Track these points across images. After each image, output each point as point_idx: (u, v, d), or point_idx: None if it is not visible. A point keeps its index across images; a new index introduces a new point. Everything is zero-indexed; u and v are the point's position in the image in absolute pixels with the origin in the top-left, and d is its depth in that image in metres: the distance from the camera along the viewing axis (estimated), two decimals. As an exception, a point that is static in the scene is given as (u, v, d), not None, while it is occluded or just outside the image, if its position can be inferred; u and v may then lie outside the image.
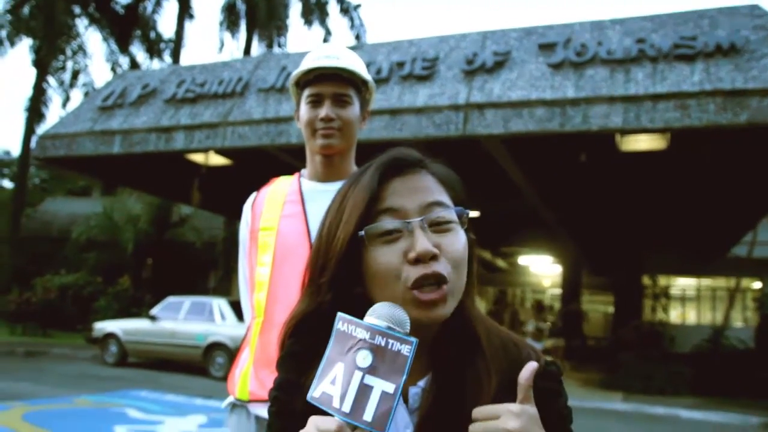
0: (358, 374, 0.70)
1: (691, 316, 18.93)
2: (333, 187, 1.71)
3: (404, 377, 0.69)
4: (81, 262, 19.53)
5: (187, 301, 11.95)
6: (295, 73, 1.71)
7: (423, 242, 0.81)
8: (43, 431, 5.83)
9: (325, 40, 22.63)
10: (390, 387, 0.69)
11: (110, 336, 12.28)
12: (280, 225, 1.67)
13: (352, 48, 11.07)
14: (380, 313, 0.75)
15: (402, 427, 0.84)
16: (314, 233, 1.63)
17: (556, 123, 8.44)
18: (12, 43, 19.94)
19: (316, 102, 1.67)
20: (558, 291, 21.68)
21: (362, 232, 0.84)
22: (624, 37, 8.69)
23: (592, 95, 8.32)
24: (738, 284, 16.36)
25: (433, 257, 0.82)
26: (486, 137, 8.96)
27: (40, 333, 16.31)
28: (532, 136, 8.70)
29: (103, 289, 18.24)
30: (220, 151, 11.08)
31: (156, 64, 22.05)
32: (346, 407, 0.69)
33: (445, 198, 0.89)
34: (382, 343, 0.71)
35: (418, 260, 0.81)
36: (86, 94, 22.25)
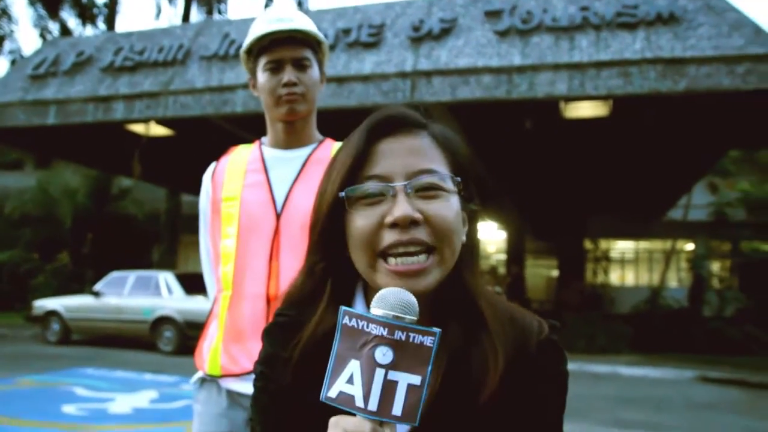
0: (380, 371, 0.67)
1: (630, 278, 19.69)
2: (296, 154, 1.68)
3: (430, 368, 0.66)
4: (15, 238, 18.75)
5: (131, 276, 11.66)
6: (249, 40, 1.64)
7: (402, 206, 0.77)
8: (-14, 413, 5.64)
9: (267, 7, 22.07)
10: (416, 379, 0.66)
11: (52, 314, 11.89)
12: (243, 194, 1.61)
13: (297, 14, 10.85)
14: (387, 301, 0.69)
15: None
16: (279, 201, 1.62)
17: (503, 90, 8.51)
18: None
19: (275, 68, 1.61)
20: (503, 256, 22.14)
21: (342, 194, 0.81)
22: (568, 4, 8.79)
23: (538, 63, 8.42)
24: (673, 246, 17.06)
25: (414, 222, 0.77)
26: (433, 105, 8.97)
27: (-25, 313, 15.68)
28: (479, 103, 8.76)
29: (41, 265, 17.62)
30: (162, 122, 10.74)
31: (89, 30, 21.08)
32: (373, 406, 0.66)
33: (438, 164, 0.83)
34: (402, 338, 0.67)
35: (395, 225, 0.77)
36: (13, 62, 21.15)
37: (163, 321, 10.83)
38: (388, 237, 0.78)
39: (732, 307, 14.64)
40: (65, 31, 20.77)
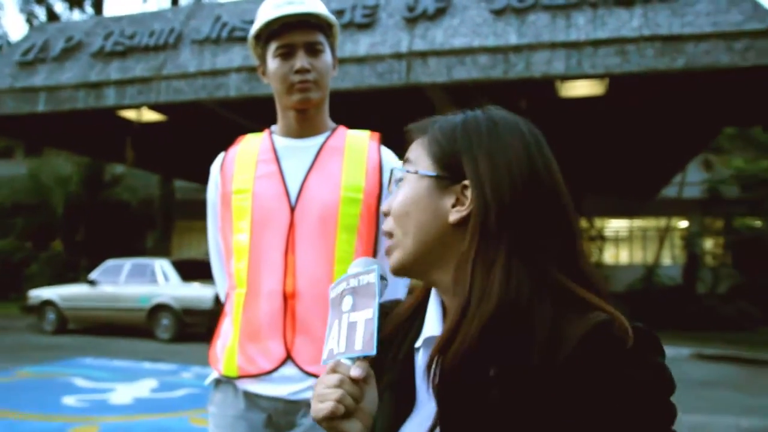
0: (344, 318, 0.78)
1: (624, 256, 19.75)
2: (309, 143, 1.62)
3: (377, 299, 0.75)
4: (7, 227, 18.60)
5: (127, 264, 11.58)
6: (257, 24, 1.56)
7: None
8: (-13, 405, 5.60)
9: (256, -12, 21.79)
10: (369, 312, 0.75)
11: (47, 303, 11.81)
12: (255, 186, 1.54)
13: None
14: (356, 263, 0.83)
15: (426, 400, 0.79)
16: (293, 193, 1.56)
17: (500, 70, 8.43)
18: None
19: (287, 54, 1.53)
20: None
21: None
22: (564, -18, 8.67)
23: (535, 41, 8.33)
24: (668, 224, 17.11)
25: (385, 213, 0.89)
26: (429, 86, 8.89)
27: (-31, 303, 15.58)
28: (476, 84, 8.68)
29: (35, 254, 17.50)
30: (155, 107, 10.61)
31: (76, 15, 20.76)
32: (342, 347, 0.76)
33: (415, 154, 0.89)
34: (356, 284, 0.79)
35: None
36: (0, 48, 20.83)
37: (160, 308, 10.78)
38: None
39: (725, 284, 14.74)
40: (52, 15, 20.44)
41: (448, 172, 0.83)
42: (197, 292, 10.62)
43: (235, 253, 1.55)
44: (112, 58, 10.28)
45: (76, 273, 15.64)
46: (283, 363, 1.46)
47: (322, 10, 1.56)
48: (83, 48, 10.63)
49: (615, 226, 19.75)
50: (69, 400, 5.93)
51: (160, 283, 11.02)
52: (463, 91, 9.24)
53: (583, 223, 16.06)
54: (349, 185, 1.52)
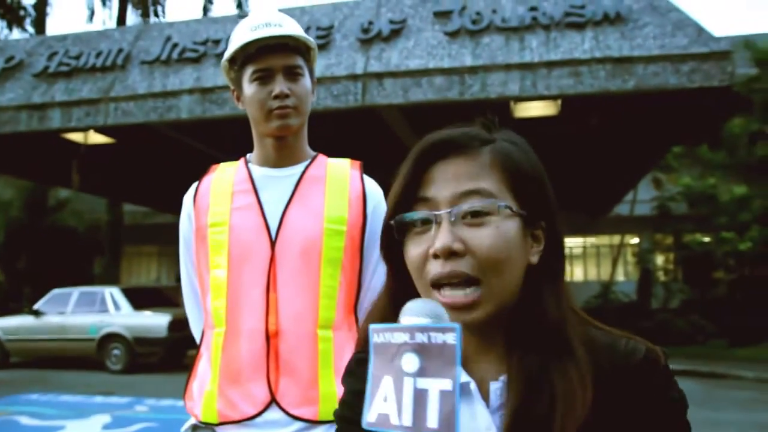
0: (408, 381, 0.63)
1: (578, 274, 20.08)
2: (288, 173, 1.50)
3: (457, 368, 0.62)
4: (-57, 255, 17.72)
5: (75, 292, 11.11)
6: (233, 47, 1.46)
7: (443, 237, 0.73)
8: None
9: (206, 9, 21.54)
10: (447, 383, 0.62)
11: (-12, 336, 11.24)
12: (233, 219, 1.44)
13: (242, 17, 10.55)
14: (414, 310, 0.68)
15: (483, 428, 0.75)
16: (273, 226, 1.45)
17: (456, 92, 8.48)
18: None
19: (264, 78, 1.44)
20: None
21: (392, 222, 0.79)
22: (517, 5, 8.81)
23: (490, 63, 8.41)
24: (622, 241, 17.47)
25: (454, 253, 0.73)
26: (385, 107, 8.86)
27: None
28: (432, 105, 8.69)
29: (-27, 284, 16.71)
30: (103, 130, 10.28)
31: (16, 34, 20.11)
32: (407, 420, 0.62)
33: (490, 184, 0.76)
34: (425, 340, 0.64)
35: (437, 256, 0.74)
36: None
37: (110, 338, 10.36)
38: (433, 268, 0.75)
39: (677, 298, 15.09)
40: (-10, 35, 19.75)
41: (533, 209, 0.78)
42: (150, 321, 10.26)
43: (212, 289, 1.44)
44: (57, 79, 9.94)
45: (19, 303, 14.97)
46: (267, 407, 1.37)
47: (300, 32, 1.47)
48: (25, 68, 10.26)
49: (569, 243, 20.08)
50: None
51: (110, 311, 10.61)
52: (419, 113, 9.26)
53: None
54: (333, 217, 1.44)
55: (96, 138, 11.10)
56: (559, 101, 9.22)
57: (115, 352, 10.35)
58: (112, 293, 10.82)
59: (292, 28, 1.47)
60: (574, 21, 8.40)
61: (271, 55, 1.44)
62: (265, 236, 1.41)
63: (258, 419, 1.36)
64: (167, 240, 23.19)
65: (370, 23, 9.15)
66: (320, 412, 1.36)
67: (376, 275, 1.49)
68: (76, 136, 10.97)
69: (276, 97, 1.42)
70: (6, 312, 13.74)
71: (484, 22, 8.70)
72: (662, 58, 7.90)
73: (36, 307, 11.24)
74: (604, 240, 19.54)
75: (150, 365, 10.44)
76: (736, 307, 12.90)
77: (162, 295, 11.83)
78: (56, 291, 11.36)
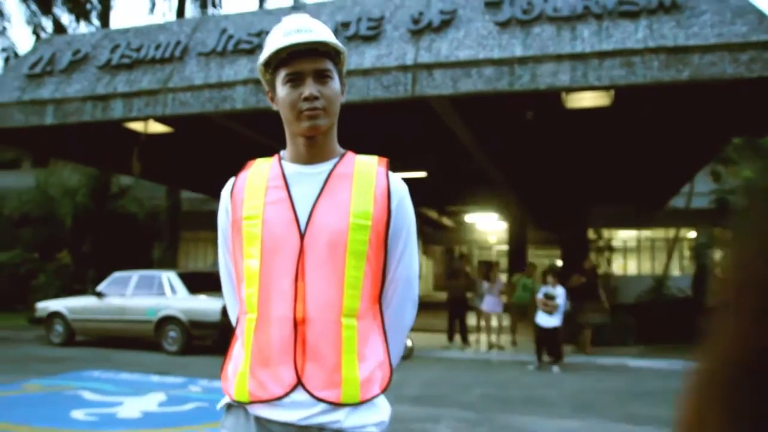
0: None
1: (632, 267, 19.66)
2: (317, 169, 1.63)
3: None
4: (15, 239, 18.69)
5: (134, 276, 11.61)
6: (266, 53, 1.58)
7: None
8: (-7, 420, 5.61)
9: (261, 1, 21.90)
10: None
11: (55, 315, 11.85)
12: (265, 213, 1.56)
13: (294, 9, 10.75)
14: None
15: None
16: (303, 220, 1.57)
17: (505, 82, 8.44)
18: None
19: (295, 81, 1.55)
20: (504, 247, 22.11)
21: None
22: (569, -6, 8.68)
23: (540, 53, 8.33)
24: (677, 235, 17.02)
25: None
26: (435, 98, 8.90)
27: (-23, 315, 15.63)
28: (482, 96, 8.68)
29: (42, 266, 17.57)
30: (161, 119, 10.67)
31: (83, 27, 20.92)
32: None
33: None
34: None
35: None
36: (7, 60, 21.01)
37: (167, 321, 10.80)
38: None
39: (735, 294, 14.60)
40: (59, 27, 20.60)
41: None
42: (204, 305, 10.63)
43: (246, 278, 1.56)
44: (119, 71, 10.35)
45: (84, 284, 15.69)
46: (293, 389, 1.48)
47: (330, 38, 1.58)
48: (90, 60, 10.71)
49: (622, 236, 19.69)
50: (77, 414, 5.92)
51: (167, 295, 11.04)
52: (468, 104, 9.26)
53: (591, 233, 16.01)
54: (358, 212, 1.53)
55: (155, 127, 11.52)
56: (612, 92, 9.07)
57: (172, 334, 10.78)
58: (169, 277, 11.24)
59: (323, 33, 1.57)
60: (627, 9, 8.23)
61: (302, 60, 1.54)
62: (294, 229, 1.52)
63: (285, 399, 1.47)
64: (222, 227, 23.97)
65: (421, 14, 9.18)
66: (343, 395, 1.47)
67: (400, 267, 1.59)
68: (137, 126, 11.41)
69: (306, 99, 1.53)
70: (72, 293, 14.46)
71: (535, 11, 8.62)
72: (720, 47, 7.67)
73: (98, 289, 11.79)
74: (659, 233, 19.06)
75: (204, 347, 10.83)
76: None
77: (217, 280, 12.13)
78: (117, 274, 11.89)
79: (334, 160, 1.62)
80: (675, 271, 17.76)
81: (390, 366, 1.58)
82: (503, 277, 12.19)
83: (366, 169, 1.61)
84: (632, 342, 11.55)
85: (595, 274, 11.32)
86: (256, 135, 11.28)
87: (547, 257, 22.62)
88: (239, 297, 1.62)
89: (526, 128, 11.16)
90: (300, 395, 1.47)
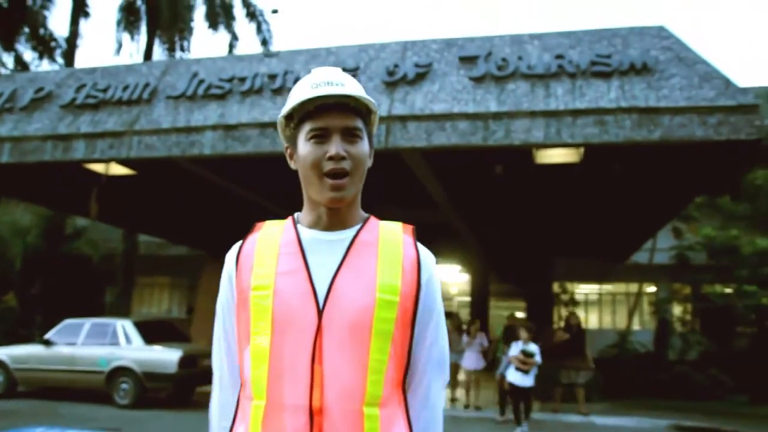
0: None
1: (593, 321, 19.77)
2: (339, 236, 1.40)
3: None
4: (-43, 279, 17.77)
5: (86, 324, 11.01)
6: (290, 104, 1.41)
7: None
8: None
9: (231, 46, 21.90)
10: None
11: (-4, 364, 11.15)
12: (277, 284, 1.35)
13: (269, 56, 10.66)
14: None
15: None
16: (321, 293, 1.37)
17: (480, 137, 8.45)
18: None
19: (321, 138, 1.37)
20: (465, 298, 22.05)
21: None
22: (543, 52, 8.85)
23: (514, 109, 8.40)
24: (640, 289, 17.22)
25: None
26: (408, 150, 8.85)
27: None
28: (454, 150, 8.67)
29: (-14, 309, 16.70)
30: (125, 162, 10.34)
31: (46, 65, 20.48)
32: None
33: None
34: None
35: None
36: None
37: (119, 372, 10.23)
38: None
39: (695, 350, 14.77)
40: (21, 64, 20.12)
41: None
42: (160, 355, 10.14)
43: (254, 357, 1.34)
44: (84, 111, 10.04)
45: (30, 329, 14.91)
46: None
47: (362, 93, 1.41)
48: (53, 99, 10.38)
49: (585, 290, 19.83)
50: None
51: (121, 344, 10.50)
52: (439, 156, 9.24)
53: (556, 287, 16.06)
54: (385, 286, 1.34)
55: (117, 169, 11.16)
56: (582, 149, 9.18)
57: (124, 386, 10.22)
58: (124, 326, 10.72)
59: (355, 88, 1.41)
60: (600, 70, 8.40)
61: (330, 114, 1.38)
62: (312, 303, 1.32)
63: None
64: (180, 272, 23.16)
65: (396, 66, 9.20)
66: None
67: (434, 349, 1.41)
68: (98, 167, 11.04)
69: (331, 158, 1.36)
70: (16, 338, 13.68)
71: (509, 68, 8.73)
72: (689, 109, 7.85)
73: (47, 336, 11.15)
74: (620, 288, 19.27)
75: (158, 401, 10.28)
76: (758, 362, 12.59)
77: (174, 329, 11.72)
78: (68, 321, 11.28)
79: (357, 227, 1.43)
80: (635, 326, 17.90)
81: None
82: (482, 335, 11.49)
83: (392, 237, 1.43)
84: (597, 398, 11.44)
85: (582, 330, 11.12)
86: (223, 181, 11.03)
87: (507, 309, 22.60)
88: (242, 378, 1.40)
89: (494, 182, 11.19)
90: None
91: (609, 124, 8.05)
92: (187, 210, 14.15)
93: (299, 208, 1.50)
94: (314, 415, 1.27)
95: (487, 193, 12.02)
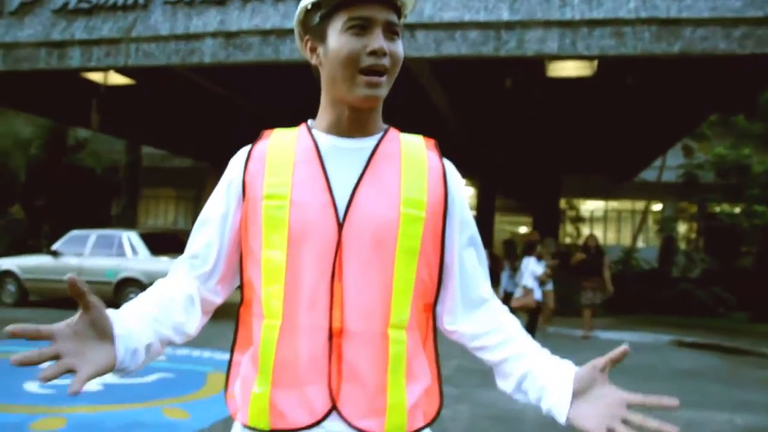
0: None
1: (598, 237, 19.84)
2: (358, 145, 1.25)
3: None
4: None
5: (92, 235, 11.06)
6: None
7: None
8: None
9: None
10: None
11: (7, 274, 11.27)
12: (294, 193, 1.22)
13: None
14: None
15: None
16: (341, 205, 1.19)
17: (491, 47, 8.11)
18: None
19: (361, 28, 1.20)
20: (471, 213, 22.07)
21: None
22: (560, -43, 8.34)
23: (528, 18, 8.01)
24: (647, 207, 17.15)
25: None
26: (416, 60, 8.53)
27: None
28: (464, 60, 8.35)
29: (-8, 220, 16.81)
30: (123, 70, 10.04)
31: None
32: None
33: None
34: None
35: None
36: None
37: (127, 283, 10.35)
38: None
39: (699, 268, 14.87)
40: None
41: None
42: (167, 267, 10.15)
43: (266, 274, 1.22)
44: (77, 16, 9.62)
45: (37, 240, 15.04)
46: (326, 416, 1.18)
47: None
48: (44, 3, 9.91)
49: (590, 207, 19.77)
50: (32, 387, 5.55)
51: (128, 256, 10.57)
52: (447, 67, 8.92)
53: (564, 203, 15.99)
54: (410, 200, 1.22)
55: (116, 79, 10.87)
56: (596, 62, 8.84)
57: (132, 296, 10.32)
58: (130, 237, 10.76)
59: None
60: (620, -23, 7.94)
61: (371, 5, 1.21)
62: (332, 216, 1.20)
63: (315, 429, 1.18)
64: (184, 183, 23.08)
65: (404, -30, 8.72)
66: (387, 424, 1.17)
67: (467, 263, 1.29)
68: (96, 76, 10.74)
69: (373, 52, 1.19)
70: (25, 249, 13.82)
71: (524, -26, 8.26)
72: (713, 21, 7.47)
73: (54, 247, 11.23)
74: (626, 205, 19.20)
75: (166, 311, 10.46)
76: (760, 280, 12.67)
77: (179, 241, 11.77)
78: (74, 232, 11.32)
79: (378, 136, 1.29)
80: (640, 243, 17.97)
81: (440, 393, 1.29)
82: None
83: (415, 151, 1.29)
84: (601, 313, 11.60)
85: (601, 252, 10.94)
86: (224, 90, 10.76)
87: (512, 224, 22.67)
88: (246, 295, 1.29)
89: (503, 95, 10.89)
90: (334, 424, 1.18)
91: (627, 35, 7.68)
92: (190, 121, 13.92)
93: (304, 119, 1.35)
94: (333, 336, 1.17)
95: (495, 106, 11.73)
